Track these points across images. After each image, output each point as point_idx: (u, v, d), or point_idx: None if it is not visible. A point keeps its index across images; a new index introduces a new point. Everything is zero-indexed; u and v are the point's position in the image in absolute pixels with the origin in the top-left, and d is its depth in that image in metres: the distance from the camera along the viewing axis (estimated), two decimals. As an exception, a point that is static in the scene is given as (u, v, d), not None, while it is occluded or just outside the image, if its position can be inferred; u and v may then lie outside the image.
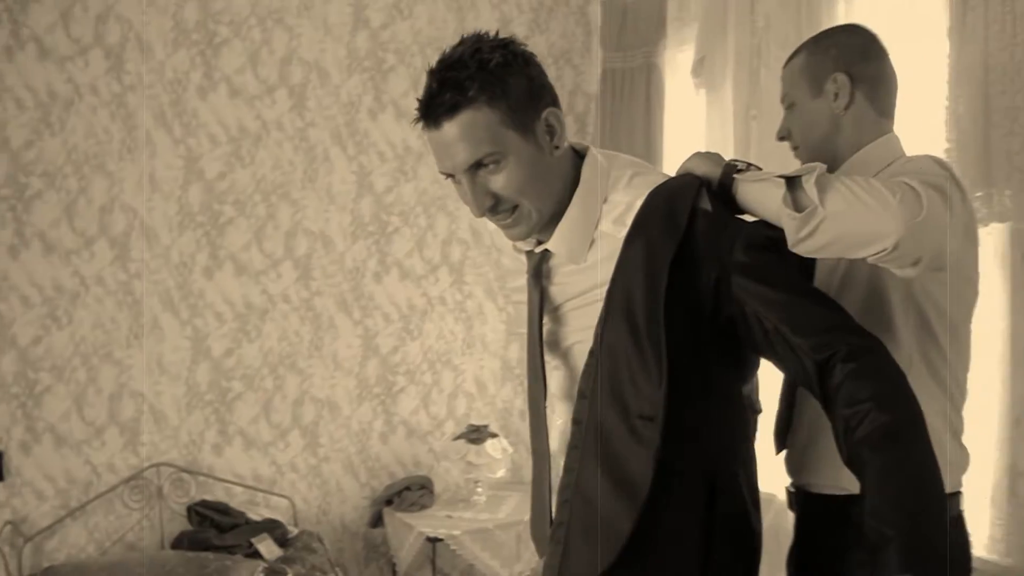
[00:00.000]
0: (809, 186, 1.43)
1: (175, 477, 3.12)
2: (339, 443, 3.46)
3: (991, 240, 2.42)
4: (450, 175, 1.49)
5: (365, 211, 3.49)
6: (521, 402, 3.79)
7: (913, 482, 1.24)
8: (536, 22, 3.80)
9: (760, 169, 1.57)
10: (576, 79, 3.88)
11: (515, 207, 1.48)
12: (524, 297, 1.66)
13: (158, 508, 3.09)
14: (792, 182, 1.47)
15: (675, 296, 1.39)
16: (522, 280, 1.66)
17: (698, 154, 1.62)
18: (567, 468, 1.48)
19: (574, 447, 1.46)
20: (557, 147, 1.51)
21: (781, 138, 1.90)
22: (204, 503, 3.09)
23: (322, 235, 3.41)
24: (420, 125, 1.48)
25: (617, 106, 3.65)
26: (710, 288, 1.41)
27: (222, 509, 3.09)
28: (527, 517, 3.19)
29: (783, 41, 2.89)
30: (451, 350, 3.67)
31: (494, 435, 3.40)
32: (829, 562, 1.74)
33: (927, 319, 1.68)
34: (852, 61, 1.83)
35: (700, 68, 3.31)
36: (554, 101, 1.52)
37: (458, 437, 3.40)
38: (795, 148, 1.88)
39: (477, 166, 1.45)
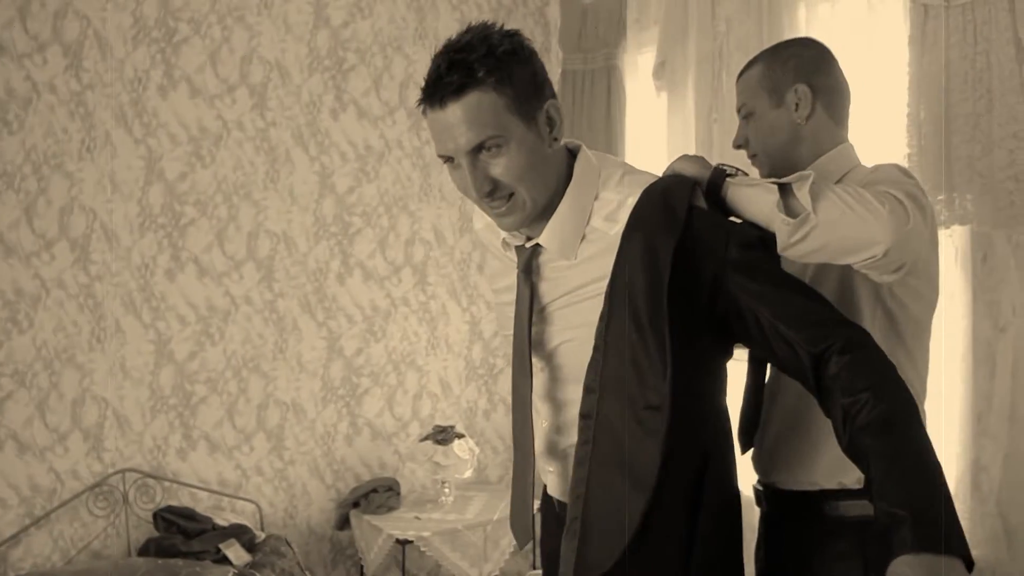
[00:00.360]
0: (803, 193, 1.49)
1: (140, 483, 3.06)
2: (304, 446, 3.43)
3: (952, 242, 2.50)
4: (448, 159, 1.51)
5: (327, 212, 3.46)
6: (485, 402, 3.81)
7: (918, 464, 1.28)
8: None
9: (747, 174, 1.62)
10: (535, 80, 3.89)
11: (511, 195, 1.50)
12: (511, 297, 1.68)
13: (123, 515, 3.03)
14: (784, 188, 1.52)
15: (673, 289, 1.43)
16: (509, 280, 1.68)
17: (684, 157, 1.66)
18: (578, 462, 1.49)
19: (584, 442, 1.48)
20: (556, 139, 1.54)
21: (738, 146, 1.95)
22: (170, 509, 3.03)
23: (284, 236, 3.38)
24: (422, 108, 1.49)
25: (577, 108, 3.67)
26: (707, 283, 1.46)
27: (188, 515, 3.04)
28: (495, 517, 3.26)
29: (744, 46, 2.94)
30: (415, 351, 3.66)
31: (461, 435, 3.41)
32: (801, 556, 1.78)
33: (894, 318, 1.74)
34: (811, 72, 1.89)
35: (661, 71, 3.34)
36: (554, 95, 1.55)
37: (425, 438, 3.40)
38: (753, 156, 1.93)
39: (479, 149, 1.46)
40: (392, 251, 3.60)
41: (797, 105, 1.86)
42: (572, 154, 1.60)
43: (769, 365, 1.84)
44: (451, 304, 3.74)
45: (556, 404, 1.66)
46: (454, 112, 1.44)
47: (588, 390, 1.49)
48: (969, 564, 1.20)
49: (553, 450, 1.68)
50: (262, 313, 3.34)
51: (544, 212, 1.55)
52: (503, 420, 3.87)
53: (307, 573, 3.02)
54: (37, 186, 2.90)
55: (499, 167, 1.47)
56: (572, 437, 1.61)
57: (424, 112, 1.49)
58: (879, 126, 2.59)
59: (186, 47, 3.15)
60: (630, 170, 1.61)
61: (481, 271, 3.80)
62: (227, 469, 3.27)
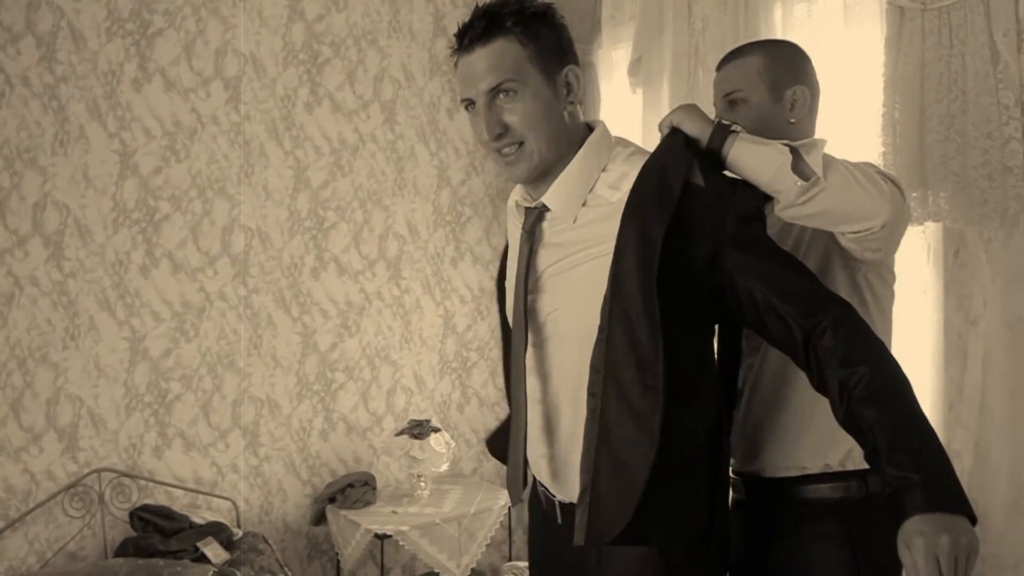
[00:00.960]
0: (813, 157, 1.58)
1: (116, 483, 3.02)
2: (280, 442, 3.41)
3: (925, 238, 2.58)
4: (469, 104, 1.60)
5: (302, 206, 3.44)
6: (459, 395, 3.82)
7: (921, 430, 1.36)
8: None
9: (741, 131, 1.66)
10: (507, 74, 3.90)
11: (521, 143, 1.58)
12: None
13: (100, 515, 2.98)
14: (794, 152, 1.59)
15: (673, 268, 1.48)
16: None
17: (685, 108, 1.70)
18: (587, 437, 1.54)
19: (592, 419, 1.53)
20: (572, 103, 1.62)
21: None
22: (146, 508, 2.99)
23: (259, 231, 3.35)
24: (454, 60, 1.60)
25: (551, 103, 3.68)
26: (705, 260, 1.51)
27: (165, 514, 3.00)
28: (472, 510, 3.27)
29: (721, 43, 2.99)
30: (389, 345, 3.66)
31: (437, 429, 3.41)
32: (781, 539, 1.82)
33: (867, 307, 1.81)
34: (807, 75, 1.95)
35: (637, 67, 3.38)
36: (577, 63, 1.63)
37: (401, 432, 3.40)
38: None
39: (496, 92, 1.56)
40: (366, 246, 3.59)
41: (793, 104, 1.91)
42: (591, 130, 1.67)
43: (744, 355, 1.89)
44: (425, 298, 3.74)
45: (544, 379, 1.69)
46: (479, 57, 1.55)
47: (595, 369, 1.54)
48: (973, 521, 1.28)
49: (545, 431, 1.71)
50: (236, 309, 3.30)
51: (552, 172, 1.62)
52: (477, 413, 3.88)
53: (286, 570, 3.01)
54: (10, 181, 2.83)
55: (513, 113, 1.57)
56: (562, 417, 1.66)
57: (456, 64, 1.59)
58: (854, 125, 2.65)
59: (160, 40, 3.10)
60: (641, 150, 1.66)
61: (455, 265, 3.81)
62: (203, 467, 3.23)
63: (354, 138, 3.54)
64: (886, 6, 2.54)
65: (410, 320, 3.70)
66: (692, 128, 1.64)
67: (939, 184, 2.44)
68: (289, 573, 3.00)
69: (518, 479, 1.73)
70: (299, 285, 3.43)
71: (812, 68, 1.98)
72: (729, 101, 1.96)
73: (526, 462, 1.74)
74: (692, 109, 1.69)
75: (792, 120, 1.92)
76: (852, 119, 2.66)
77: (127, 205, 3.06)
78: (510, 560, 3.62)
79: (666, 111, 3.20)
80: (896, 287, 1.92)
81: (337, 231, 3.52)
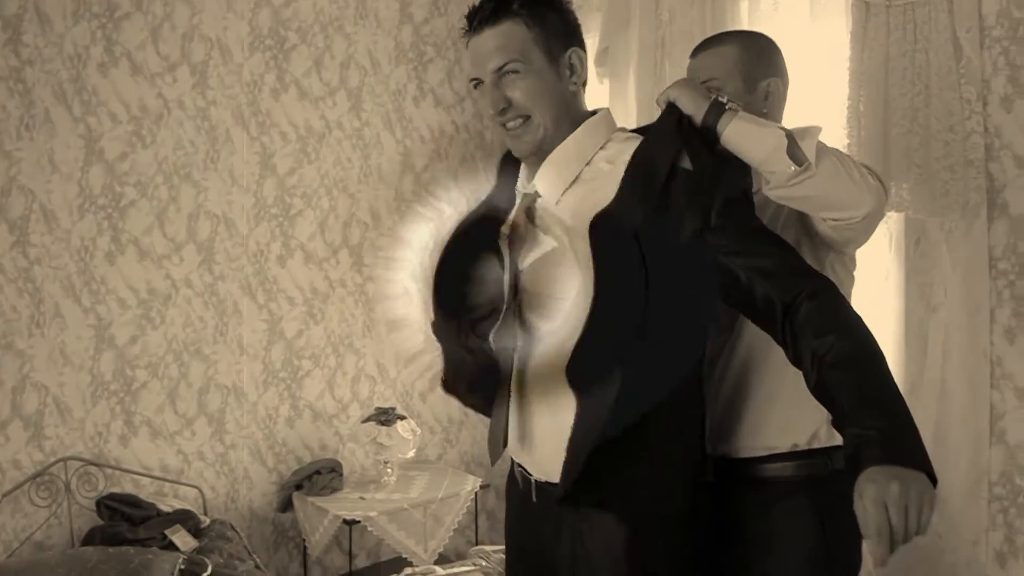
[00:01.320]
0: (808, 144, 1.62)
1: (82, 471, 2.98)
2: (246, 429, 3.39)
3: (888, 228, 2.66)
4: (478, 83, 1.66)
5: (268, 193, 3.42)
6: (421, 383, 3.83)
7: (885, 391, 1.39)
8: (436, 5, 3.81)
9: (738, 110, 1.70)
10: (472, 63, 3.91)
11: (527, 117, 1.63)
12: None
13: (66, 504, 2.94)
14: (789, 136, 1.64)
15: (656, 252, 1.52)
16: None
17: (681, 84, 1.73)
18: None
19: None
20: (575, 84, 1.67)
21: None
22: (113, 496, 2.96)
23: (225, 218, 3.32)
24: (465, 41, 1.66)
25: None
26: (692, 242, 1.54)
27: (132, 502, 2.97)
28: (439, 495, 3.30)
29: (687, 35, 3.04)
30: (352, 333, 3.66)
31: (403, 416, 3.43)
32: (749, 516, 1.85)
33: None
34: (780, 69, 2.00)
35: (604, 58, 3.42)
36: (582, 45, 1.68)
37: (367, 419, 3.41)
38: None
39: (502, 72, 1.62)
40: (331, 233, 3.58)
41: (767, 96, 1.95)
42: (594, 115, 1.71)
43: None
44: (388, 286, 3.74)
45: (523, 356, 1.73)
46: (487, 38, 1.62)
47: None
48: (933, 480, 1.29)
49: (519, 410, 1.74)
50: (202, 296, 3.28)
51: (553, 146, 1.66)
52: (440, 401, 3.89)
53: (254, 556, 3.00)
54: (-27, 166, 2.78)
55: (517, 90, 1.62)
56: (534, 403, 1.70)
57: (466, 45, 1.66)
58: (820, 117, 2.71)
59: (127, 23, 3.06)
60: (635, 135, 1.69)
61: (420, 253, 3.81)
62: (169, 455, 3.21)
63: (320, 125, 3.53)
64: (852, 1, 2.61)
65: (372, 308, 3.70)
66: (688, 104, 1.67)
67: (902, 175, 2.52)
68: (257, 559, 2.99)
69: (498, 439, 1.79)
70: (265, 272, 3.42)
71: (783, 61, 2.03)
72: (705, 89, 2.00)
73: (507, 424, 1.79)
74: (689, 83, 1.72)
75: (764, 111, 1.96)
76: (818, 111, 2.71)
77: (93, 191, 3.02)
78: (476, 544, 3.65)
79: (632, 102, 3.28)
80: (858, 274, 1.99)
81: (303, 218, 3.50)
